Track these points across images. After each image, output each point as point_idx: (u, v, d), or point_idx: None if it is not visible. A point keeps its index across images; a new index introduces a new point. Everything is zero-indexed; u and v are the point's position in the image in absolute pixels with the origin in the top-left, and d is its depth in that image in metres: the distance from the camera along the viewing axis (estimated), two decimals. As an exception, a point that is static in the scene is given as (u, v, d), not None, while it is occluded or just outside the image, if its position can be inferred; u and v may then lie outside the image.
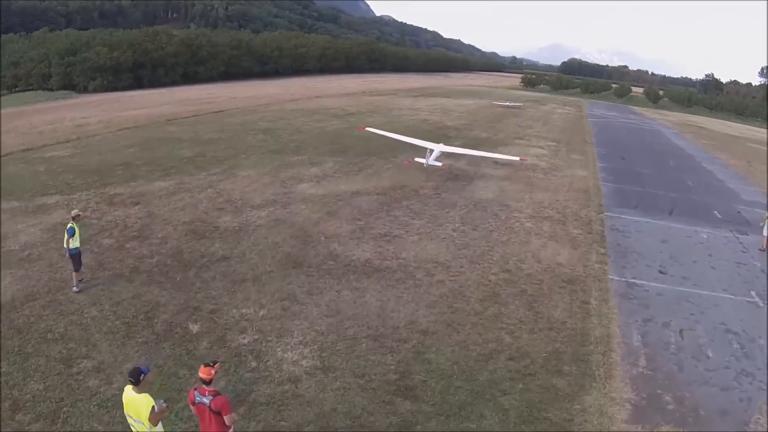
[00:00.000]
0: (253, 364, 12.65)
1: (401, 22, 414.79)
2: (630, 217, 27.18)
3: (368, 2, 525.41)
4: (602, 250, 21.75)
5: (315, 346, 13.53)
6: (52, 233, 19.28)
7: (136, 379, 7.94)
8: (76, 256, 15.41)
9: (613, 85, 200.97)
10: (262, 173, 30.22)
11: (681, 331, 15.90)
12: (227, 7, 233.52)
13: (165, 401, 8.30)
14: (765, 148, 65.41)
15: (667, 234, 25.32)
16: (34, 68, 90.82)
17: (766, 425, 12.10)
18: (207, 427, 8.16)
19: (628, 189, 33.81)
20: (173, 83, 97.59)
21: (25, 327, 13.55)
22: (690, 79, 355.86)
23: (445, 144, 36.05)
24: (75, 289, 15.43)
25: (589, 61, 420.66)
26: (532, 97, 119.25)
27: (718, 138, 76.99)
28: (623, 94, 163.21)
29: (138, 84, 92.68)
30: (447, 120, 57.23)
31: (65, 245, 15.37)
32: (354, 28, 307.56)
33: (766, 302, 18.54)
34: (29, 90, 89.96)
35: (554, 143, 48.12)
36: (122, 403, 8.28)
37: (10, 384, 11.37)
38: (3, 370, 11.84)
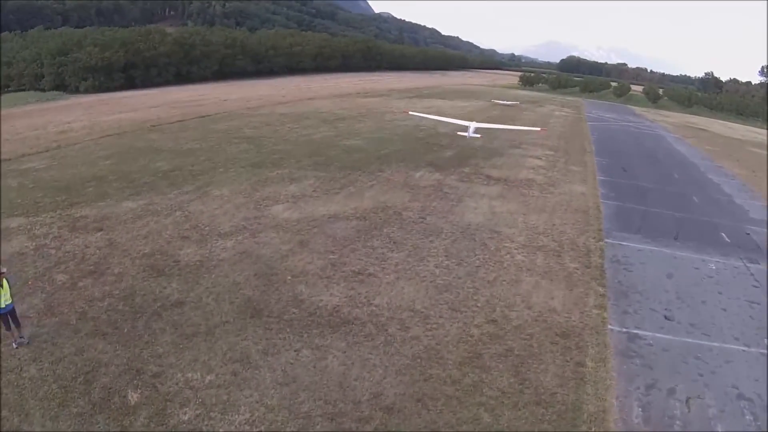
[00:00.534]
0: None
1: (400, 20, 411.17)
2: (632, 245, 24.95)
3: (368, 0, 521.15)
4: (601, 290, 19.42)
5: (263, 427, 11.70)
6: (6, 267, 17.13)
7: None
8: (5, 315, 13.75)
9: (612, 84, 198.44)
10: (237, 192, 28.26)
11: (687, 400, 13.72)
12: (224, 5, 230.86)
13: None
14: (766, 152, 62.90)
15: (673, 265, 23.03)
16: (26, 68, 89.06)
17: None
18: None
19: (629, 208, 31.58)
20: (166, 83, 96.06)
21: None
22: (689, 77, 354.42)
23: (474, 123, 43.93)
24: (14, 345, 13.95)
25: (588, 59, 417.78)
26: (531, 97, 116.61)
27: (721, 142, 75.10)
28: (622, 94, 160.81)
29: (130, 84, 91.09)
30: (441, 125, 54.60)
31: None
32: (352, 25, 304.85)
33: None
34: (21, 90, 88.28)
35: (552, 152, 45.82)
36: None
37: None
38: None
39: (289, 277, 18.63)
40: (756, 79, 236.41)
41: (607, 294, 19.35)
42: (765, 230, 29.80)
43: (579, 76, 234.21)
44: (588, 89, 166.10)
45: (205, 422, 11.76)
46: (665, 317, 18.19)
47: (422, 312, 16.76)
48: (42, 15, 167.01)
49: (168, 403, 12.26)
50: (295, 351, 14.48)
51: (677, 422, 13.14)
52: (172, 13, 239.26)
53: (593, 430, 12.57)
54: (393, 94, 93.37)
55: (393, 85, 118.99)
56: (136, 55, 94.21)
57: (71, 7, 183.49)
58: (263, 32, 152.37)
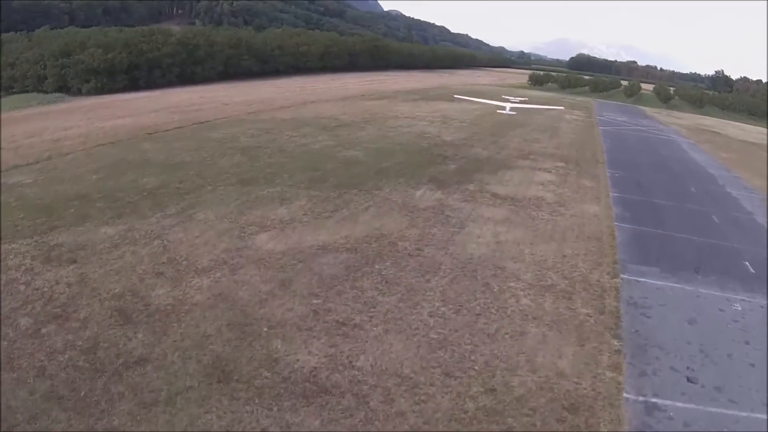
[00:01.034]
0: None
1: (409, 17, 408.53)
2: (650, 281, 22.71)
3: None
4: (616, 344, 17.23)
5: None
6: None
7: None
8: None
9: (622, 82, 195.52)
10: (223, 215, 26.33)
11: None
12: (232, 3, 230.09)
13: None
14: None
15: (695, 307, 20.86)
16: (29, 70, 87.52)
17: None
18: None
19: (646, 232, 29.34)
20: (170, 84, 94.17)
21: None
22: (699, 74, 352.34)
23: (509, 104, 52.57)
24: None
25: (597, 57, 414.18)
26: (540, 98, 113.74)
27: (736, 147, 72.75)
28: (633, 93, 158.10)
29: (134, 86, 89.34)
30: (446, 133, 52.71)
31: None
32: (360, 23, 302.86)
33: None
34: (25, 92, 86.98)
35: (563, 164, 43.47)
36: None
37: None
38: None
39: (265, 329, 16.62)
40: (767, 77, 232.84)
41: (623, 349, 16.97)
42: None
43: (589, 75, 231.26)
44: (598, 89, 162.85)
45: None
46: (688, 379, 15.91)
47: (411, 378, 14.64)
48: (49, 14, 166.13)
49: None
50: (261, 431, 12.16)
51: None
52: (179, 11, 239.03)
53: None
54: (399, 96, 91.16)
55: (400, 85, 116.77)
56: (140, 56, 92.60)
57: (78, 7, 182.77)
58: (269, 31, 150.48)
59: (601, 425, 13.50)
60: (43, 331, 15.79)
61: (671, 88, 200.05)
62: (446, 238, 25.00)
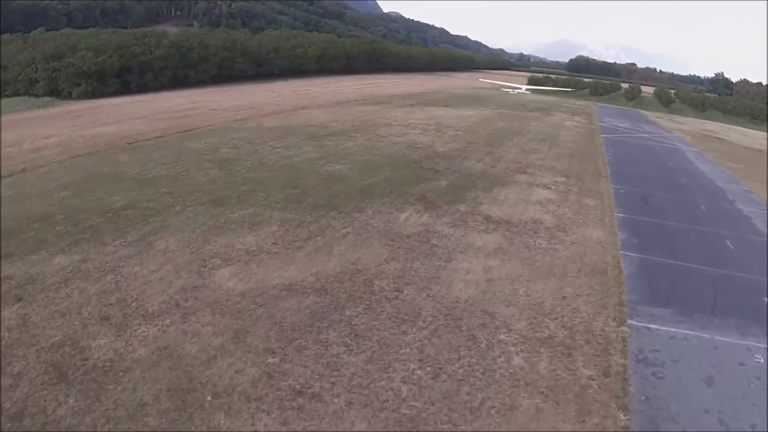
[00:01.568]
0: None
1: (408, 19, 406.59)
2: (662, 328, 19.76)
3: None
4: (623, 418, 14.36)
5: None
6: None
7: None
8: None
9: (622, 85, 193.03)
10: (185, 243, 23.97)
11: None
12: (230, 5, 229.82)
13: None
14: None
15: (713, 361, 18.20)
16: (20, 73, 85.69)
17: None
18: None
19: (656, 263, 26.40)
20: (162, 88, 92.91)
21: None
22: (698, 77, 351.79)
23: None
24: None
25: (597, 59, 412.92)
26: (539, 102, 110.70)
27: (741, 156, 69.84)
28: (634, 97, 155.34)
29: (125, 89, 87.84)
30: (439, 143, 49.69)
31: None
32: (360, 25, 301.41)
33: None
34: (17, 95, 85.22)
35: (563, 178, 40.52)
36: None
37: None
38: None
39: (209, 398, 13.93)
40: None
41: (631, 425, 13.92)
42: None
43: (588, 77, 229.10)
44: (598, 93, 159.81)
45: None
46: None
47: (373, 477, 11.42)
48: (46, 16, 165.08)
49: None
50: None
51: None
52: (178, 13, 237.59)
53: None
54: (394, 100, 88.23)
55: (396, 89, 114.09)
56: (131, 60, 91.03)
57: (75, 8, 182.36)
58: (266, 34, 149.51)
59: None
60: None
61: (672, 91, 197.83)
62: (430, 275, 21.98)
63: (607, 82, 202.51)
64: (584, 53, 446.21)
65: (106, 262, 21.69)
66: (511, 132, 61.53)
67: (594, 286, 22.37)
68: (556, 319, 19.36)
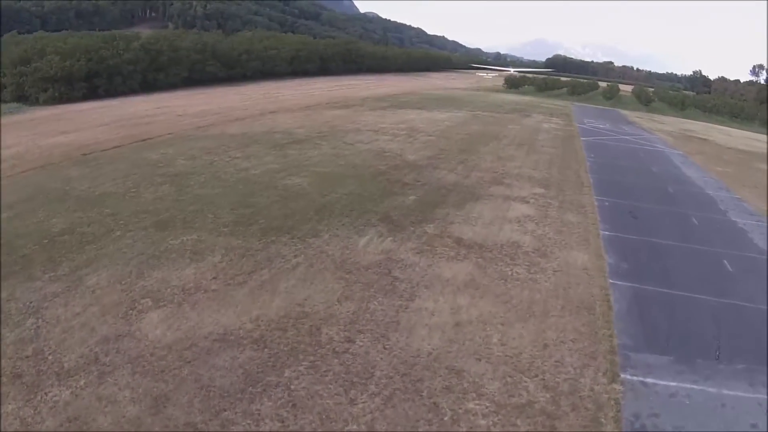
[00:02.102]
0: None
1: (385, 19, 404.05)
2: (660, 383, 16.52)
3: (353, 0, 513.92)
4: None
5: None
6: None
7: None
8: None
9: (600, 84, 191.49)
10: (118, 278, 20.75)
11: None
12: (206, 6, 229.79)
13: None
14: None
15: (722, 424, 15.10)
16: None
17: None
18: None
19: (650, 294, 23.17)
20: (132, 92, 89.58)
21: None
22: (676, 74, 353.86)
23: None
24: None
25: (574, 58, 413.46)
26: (516, 103, 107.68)
27: (728, 158, 67.23)
28: (612, 96, 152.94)
29: (94, 94, 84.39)
30: (409, 150, 46.13)
31: None
32: (336, 25, 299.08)
33: None
34: None
35: (543, 189, 37.21)
36: None
37: None
38: None
39: None
40: (744, 78, 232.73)
41: None
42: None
43: (566, 76, 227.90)
44: (576, 92, 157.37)
45: None
46: None
47: None
48: (20, 18, 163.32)
49: None
50: None
51: None
52: (152, 14, 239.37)
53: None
54: (366, 103, 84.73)
55: (370, 91, 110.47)
56: (99, 63, 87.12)
57: (50, 10, 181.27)
58: (239, 35, 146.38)
59: None
60: None
61: (650, 89, 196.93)
62: (388, 319, 18.43)
63: (585, 81, 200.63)
64: (561, 52, 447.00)
65: (31, 302, 18.61)
66: (486, 136, 58.13)
67: (580, 328, 18.86)
68: (537, 376, 15.84)
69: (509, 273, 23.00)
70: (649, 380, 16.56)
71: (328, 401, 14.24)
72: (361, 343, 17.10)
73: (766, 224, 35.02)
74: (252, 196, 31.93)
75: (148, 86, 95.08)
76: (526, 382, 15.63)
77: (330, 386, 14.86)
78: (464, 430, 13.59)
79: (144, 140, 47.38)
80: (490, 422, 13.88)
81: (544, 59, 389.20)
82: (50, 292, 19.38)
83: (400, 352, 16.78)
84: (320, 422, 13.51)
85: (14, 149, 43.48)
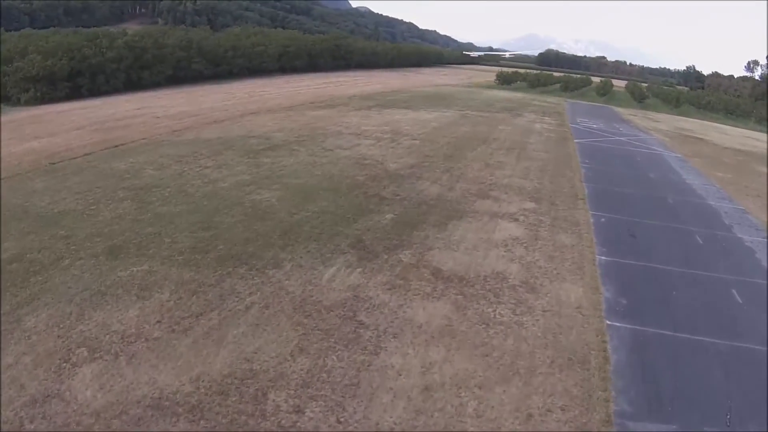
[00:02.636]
0: None
1: (377, 14, 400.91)
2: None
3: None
4: None
5: None
6: None
7: None
8: None
9: (593, 79, 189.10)
10: (57, 320, 18.14)
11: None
12: (195, 2, 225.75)
13: None
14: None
15: None
16: (-30, 79, 78.21)
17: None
18: None
19: (651, 338, 20.38)
20: (115, 91, 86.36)
21: None
22: (669, 69, 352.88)
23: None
24: None
25: (566, 52, 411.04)
26: (507, 101, 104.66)
27: (727, 161, 64.75)
28: (605, 92, 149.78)
29: (77, 93, 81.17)
30: (391, 157, 43.06)
31: None
32: (327, 20, 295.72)
33: None
34: None
35: (533, 204, 34.26)
36: None
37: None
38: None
39: None
40: (738, 74, 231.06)
41: None
42: None
43: (558, 71, 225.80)
44: (569, 88, 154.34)
45: None
46: None
47: None
48: (9, 16, 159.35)
49: None
50: None
51: None
52: (142, 11, 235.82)
53: None
54: (352, 102, 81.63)
55: (357, 88, 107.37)
56: (82, 62, 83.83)
57: (38, 7, 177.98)
58: (226, 32, 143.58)
59: None
60: None
61: (644, 85, 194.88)
62: (347, 381, 15.58)
63: (578, 76, 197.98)
64: (553, 47, 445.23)
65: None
66: (475, 139, 55.02)
67: (572, 389, 15.93)
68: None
69: (492, 315, 19.91)
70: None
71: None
72: (311, 414, 14.14)
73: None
74: (216, 214, 28.99)
75: (132, 85, 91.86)
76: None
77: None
78: None
79: (116, 146, 44.52)
80: None
81: (536, 54, 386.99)
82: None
83: (357, 427, 13.63)
84: None
85: (-16, 155, 40.59)
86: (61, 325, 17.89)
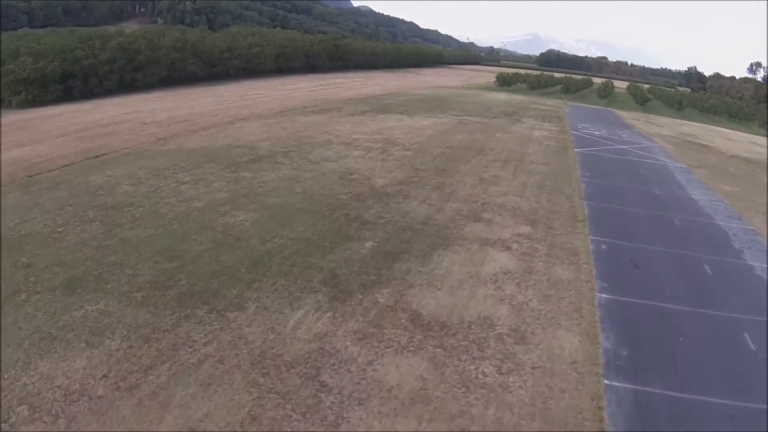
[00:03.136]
0: None
1: (378, 13, 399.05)
2: None
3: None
4: None
5: None
6: None
7: None
8: None
9: (594, 80, 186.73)
10: (3, 370, 16.07)
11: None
12: (195, 1, 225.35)
13: None
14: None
15: None
16: (-37, 81, 76.82)
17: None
18: None
19: (655, 402, 17.78)
20: (108, 93, 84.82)
21: None
22: (670, 70, 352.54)
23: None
24: None
25: (568, 53, 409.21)
26: (507, 104, 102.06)
27: (734, 172, 62.44)
28: (607, 95, 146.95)
29: (69, 96, 79.63)
30: (380, 171, 40.65)
31: None
32: (329, 20, 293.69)
33: None
34: None
35: (529, 227, 31.83)
36: None
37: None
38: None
39: None
40: (740, 74, 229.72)
41: None
42: None
43: (559, 71, 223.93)
44: (570, 90, 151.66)
45: None
46: None
47: None
48: (7, 15, 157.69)
49: None
50: None
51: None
52: (142, 10, 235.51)
53: None
54: (347, 106, 79.48)
55: (354, 90, 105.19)
56: (74, 64, 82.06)
57: (37, 6, 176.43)
58: (223, 32, 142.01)
59: None
60: None
61: (645, 86, 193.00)
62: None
63: (579, 77, 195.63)
64: (555, 47, 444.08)
65: None
66: (470, 150, 52.42)
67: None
68: None
69: (473, 375, 17.36)
70: None
71: None
72: None
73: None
74: (184, 240, 26.78)
75: (125, 87, 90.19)
76: None
77: None
78: None
79: (97, 156, 42.64)
80: None
81: (537, 54, 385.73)
82: None
83: None
84: None
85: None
86: (6, 376, 16.04)
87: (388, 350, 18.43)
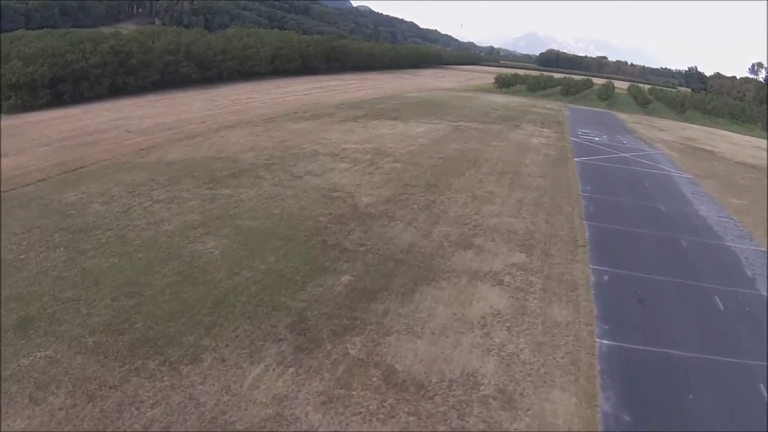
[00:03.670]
0: None
1: (378, 13, 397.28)
2: None
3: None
4: None
5: None
6: None
7: None
8: None
9: (594, 81, 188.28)
10: None
11: None
12: (193, 1, 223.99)
13: None
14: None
15: None
16: (-46, 85, 75.59)
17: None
18: None
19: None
20: (99, 97, 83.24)
21: None
22: (670, 70, 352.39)
23: None
24: None
25: (567, 52, 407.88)
26: (505, 108, 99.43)
27: (741, 181, 60.33)
28: (607, 97, 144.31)
29: (59, 100, 77.99)
30: (366, 186, 38.16)
31: None
32: (327, 20, 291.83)
33: None
34: None
35: (524, 255, 29.10)
36: None
37: None
38: None
39: None
40: (740, 74, 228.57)
41: None
42: None
43: (559, 71, 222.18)
44: (569, 92, 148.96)
45: None
46: None
47: None
48: (5, 16, 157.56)
49: None
50: None
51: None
52: (140, 10, 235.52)
53: None
54: (339, 111, 77.14)
55: (349, 94, 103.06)
56: (65, 68, 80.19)
57: (34, 7, 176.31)
58: (218, 34, 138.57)
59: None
60: None
61: (646, 87, 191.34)
62: None
63: (579, 78, 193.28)
64: (554, 46, 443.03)
65: None
66: (464, 161, 49.80)
67: None
68: None
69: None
70: None
71: None
72: None
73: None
74: (148, 272, 24.54)
75: (117, 90, 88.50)
76: None
77: None
78: None
79: (75, 170, 40.57)
80: None
81: (537, 53, 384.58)
82: None
83: None
84: None
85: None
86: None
87: (354, 418, 15.84)
